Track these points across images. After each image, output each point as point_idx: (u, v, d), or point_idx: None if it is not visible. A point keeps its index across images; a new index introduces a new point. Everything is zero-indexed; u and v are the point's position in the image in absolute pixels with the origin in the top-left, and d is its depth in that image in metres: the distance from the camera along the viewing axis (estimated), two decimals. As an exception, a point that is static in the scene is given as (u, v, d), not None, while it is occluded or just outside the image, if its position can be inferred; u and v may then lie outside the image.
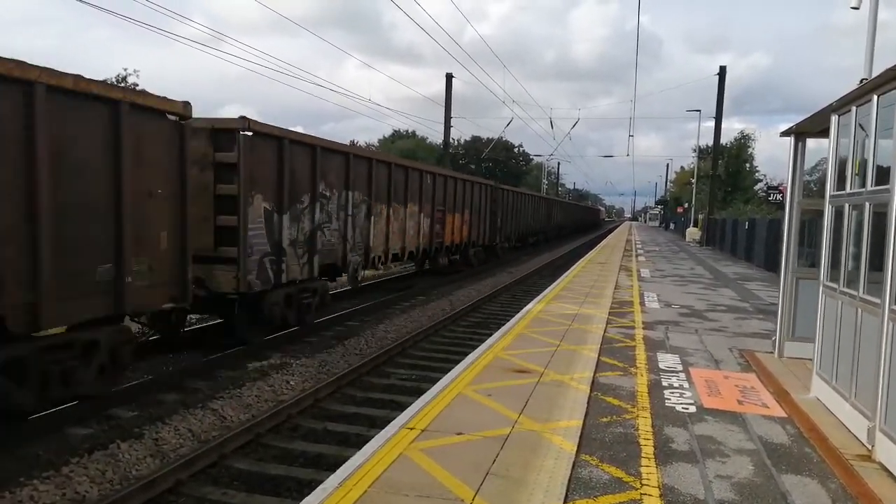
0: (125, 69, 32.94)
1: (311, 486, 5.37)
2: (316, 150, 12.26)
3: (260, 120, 10.46)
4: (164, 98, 8.25)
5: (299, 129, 11.22)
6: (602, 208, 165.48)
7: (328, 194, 12.99)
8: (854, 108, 6.17)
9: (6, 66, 6.16)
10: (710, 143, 43.55)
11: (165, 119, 8.27)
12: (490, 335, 9.91)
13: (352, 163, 13.90)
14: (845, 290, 6.18)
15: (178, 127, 8.46)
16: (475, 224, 25.07)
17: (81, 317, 7.26)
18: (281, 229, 11.24)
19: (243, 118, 10.16)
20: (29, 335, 6.69)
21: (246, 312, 10.81)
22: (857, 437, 5.57)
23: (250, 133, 10.20)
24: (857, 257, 6.01)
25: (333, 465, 5.54)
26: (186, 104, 8.52)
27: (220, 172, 10.08)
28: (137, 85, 31.13)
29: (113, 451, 6.63)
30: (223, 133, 10.11)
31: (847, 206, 6.28)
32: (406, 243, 17.85)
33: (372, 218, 15.22)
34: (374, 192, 15.25)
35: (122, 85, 29.19)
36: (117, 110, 7.36)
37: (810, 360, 7.29)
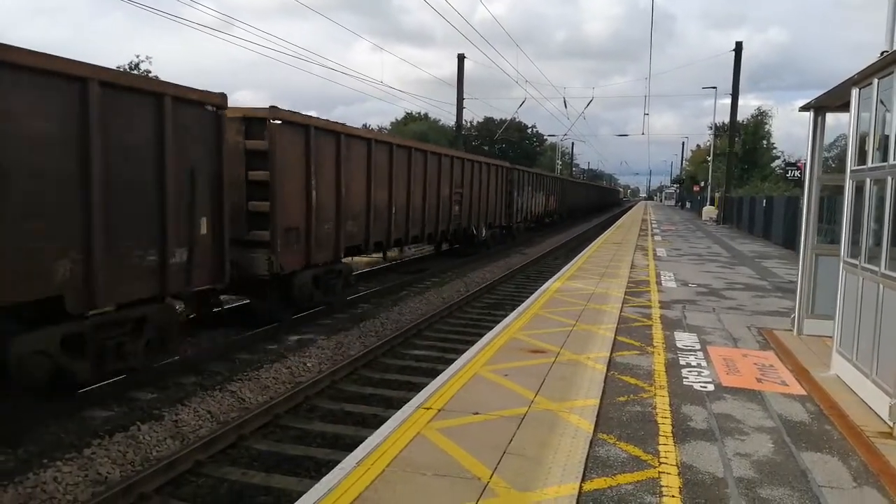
0: (137, 56, 33.04)
1: (329, 466, 5.41)
2: (521, 171, 31.59)
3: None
4: (503, 161, 32.42)
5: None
6: (620, 189, 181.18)
7: (526, 189, 31.98)
8: (876, 81, 6.04)
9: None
10: (727, 120, 42.94)
11: (504, 166, 28.27)
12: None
13: (530, 174, 33.71)
14: (866, 266, 6.09)
15: (507, 170, 28.52)
16: (557, 201, 43.27)
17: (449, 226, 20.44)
18: (517, 202, 29.83)
19: (514, 164, 31.86)
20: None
21: (508, 232, 28.89)
22: (878, 415, 5.52)
23: (519, 170, 31.37)
24: (878, 233, 5.92)
25: (351, 446, 5.56)
26: (510, 164, 31.59)
27: (511, 185, 28.53)
28: (150, 72, 31.20)
29: (133, 432, 6.72)
30: (511, 169, 29.19)
31: (868, 180, 6.18)
32: (541, 210, 37.07)
33: (534, 198, 34.45)
34: (534, 187, 34.25)
35: (136, 72, 29.23)
36: (505, 170, 28.60)
37: (830, 337, 7.22)
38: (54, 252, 6.63)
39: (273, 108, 10.60)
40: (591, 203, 68.57)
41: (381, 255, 19.74)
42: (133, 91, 7.57)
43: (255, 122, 10.47)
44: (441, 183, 18.92)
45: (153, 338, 8.13)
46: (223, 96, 9.01)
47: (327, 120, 12.38)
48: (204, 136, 8.71)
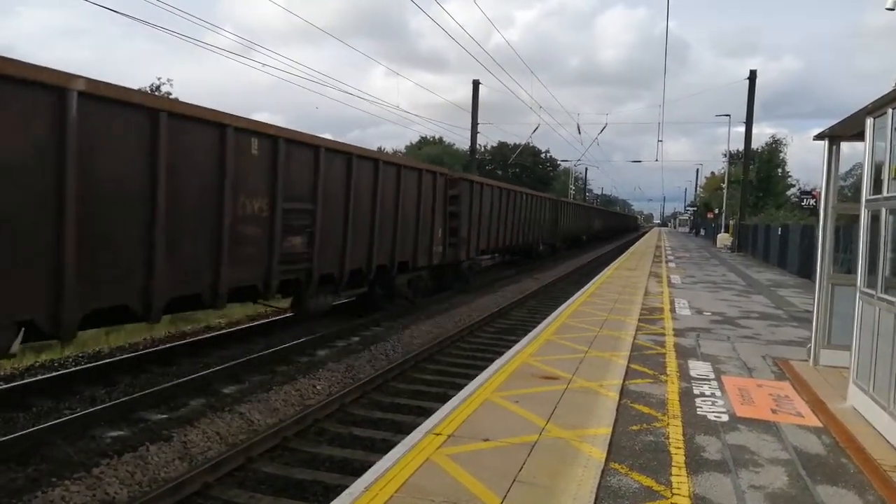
0: (158, 78, 33.59)
1: (337, 490, 5.35)
2: (593, 208, 72.45)
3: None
4: (591, 204, 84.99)
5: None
6: (638, 216, 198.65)
7: (593, 217, 58.70)
8: (890, 111, 6.01)
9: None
10: (741, 147, 42.86)
11: (586, 205, 64.18)
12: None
13: (596, 210, 70.78)
14: (883, 296, 6.01)
15: (587, 207, 62.62)
16: (603, 225, 66.96)
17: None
18: (590, 224, 55.89)
19: (581, 201, 79.67)
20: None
21: (587, 239, 55.18)
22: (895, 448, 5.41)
23: (594, 208, 73.74)
24: (894, 262, 5.86)
25: (359, 470, 5.52)
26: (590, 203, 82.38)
27: (589, 216, 56.98)
28: (171, 93, 31.67)
29: (142, 453, 6.70)
30: (589, 207, 67.96)
31: (884, 210, 6.13)
32: (598, 229, 61.60)
33: (596, 222, 60.13)
34: (595, 215, 60.60)
35: (158, 94, 29.61)
36: (586, 207, 62.48)
37: (846, 368, 7.11)
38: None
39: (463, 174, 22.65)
40: (618, 226, 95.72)
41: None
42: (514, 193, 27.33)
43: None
44: (569, 215, 42.47)
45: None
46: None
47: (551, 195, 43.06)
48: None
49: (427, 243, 16.14)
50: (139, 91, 8.68)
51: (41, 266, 6.49)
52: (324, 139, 11.65)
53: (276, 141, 9.96)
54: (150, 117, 7.63)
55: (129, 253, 7.57)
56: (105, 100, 7.05)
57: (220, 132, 8.79)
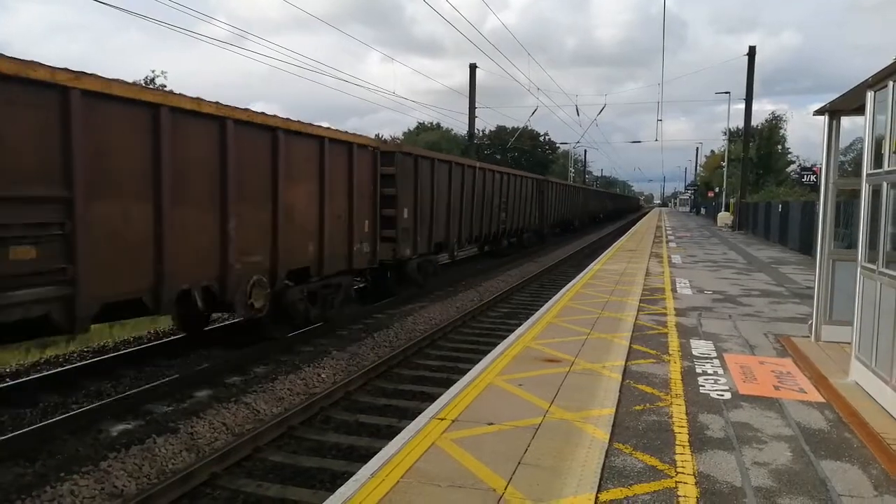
0: (153, 71, 33.45)
1: (343, 477, 5.40)
2: (607, 193, 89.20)
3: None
4: (609, 190, 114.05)
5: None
6: (640, 198, 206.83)
7: (606, 200, 75.08)
8: (891, 84, 5.97)
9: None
10: (741, 125, 42.72)
11: (604, 191, 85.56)
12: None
13: (609, 194, 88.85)
14: (884, 270, 6.01)
15: (601, 193, 77.22)
16: (612, 206, 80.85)
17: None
18: (605, 205, 73.75)
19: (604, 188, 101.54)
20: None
21: (602, 218, 68.97)
22: (899, 422, 5.43)
23: (607, 192, 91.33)
24: (895, 236, 5.85)
25: (366, 457, 5.56)
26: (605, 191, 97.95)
27: (604, 200, 73.95)
28: (165, 86, 31.54)
29: (149, 445, 6.74)
30: (603, 192, 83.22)
31: (885, 184, 6.11)
32: (609, 210, 76.24)
33: (607, 204, 74.83)
34: (607, 198, 77.57)
35: (152, 86, 29.50)
36: (606, 193, 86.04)
37: (848, 343, 7.13)
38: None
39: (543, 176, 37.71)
40: (624, 207, 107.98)
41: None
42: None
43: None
44: (592, 199, 55.24)
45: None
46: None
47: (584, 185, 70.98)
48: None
49: (532, 216, 30.29)
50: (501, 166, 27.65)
51: (447, 225, 18.25)
52: (509, 168, 27.91)
53: (503, 174, 24.37)
54: (482, 172, 22.23)
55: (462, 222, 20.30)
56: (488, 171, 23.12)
57: (491, 173, 22.80)
